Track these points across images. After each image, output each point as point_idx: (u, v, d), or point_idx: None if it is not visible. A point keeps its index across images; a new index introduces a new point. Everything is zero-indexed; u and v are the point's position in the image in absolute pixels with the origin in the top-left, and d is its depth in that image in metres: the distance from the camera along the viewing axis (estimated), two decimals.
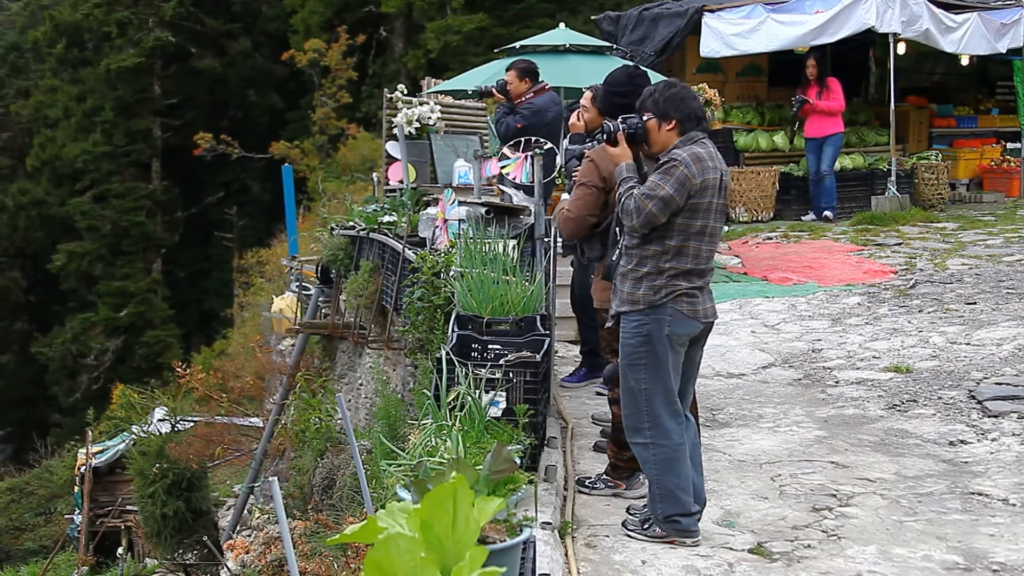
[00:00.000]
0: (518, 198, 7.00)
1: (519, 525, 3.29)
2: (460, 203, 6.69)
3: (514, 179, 7.34)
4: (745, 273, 10.69)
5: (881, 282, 9.90)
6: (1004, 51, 14.26)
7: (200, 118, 32.55)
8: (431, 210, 7.65)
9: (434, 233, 7.13)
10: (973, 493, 5.24)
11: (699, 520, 4.60)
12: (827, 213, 12.92)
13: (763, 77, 14.78)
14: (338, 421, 8.44)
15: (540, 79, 8.54)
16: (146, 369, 28.11)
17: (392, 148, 9.78)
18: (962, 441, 6.02)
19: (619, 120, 4.61)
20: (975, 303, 8.84)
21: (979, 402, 6.52)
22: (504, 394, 4.83)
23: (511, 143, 7.88)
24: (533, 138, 7.67)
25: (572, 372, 7.53)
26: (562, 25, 11.41)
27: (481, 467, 3.51)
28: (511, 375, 4.88)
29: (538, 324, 5.22)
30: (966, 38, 13.63)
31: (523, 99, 8.40)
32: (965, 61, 15.34)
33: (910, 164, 13.84)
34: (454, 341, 5.04)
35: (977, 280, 9.64)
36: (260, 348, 13.99)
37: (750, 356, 8.04)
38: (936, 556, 4.50)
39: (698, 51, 13.34)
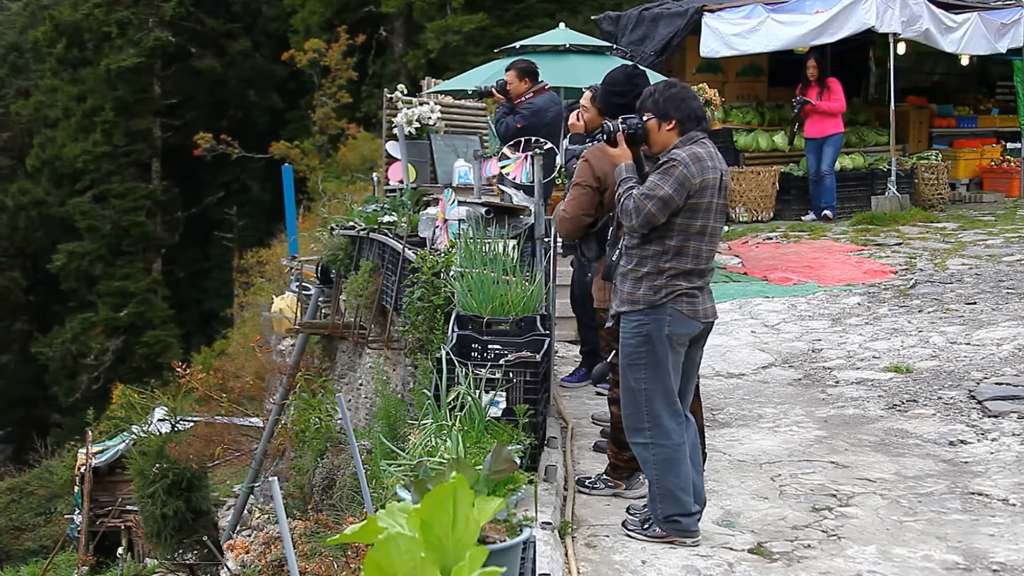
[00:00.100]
0: (518, 198, 7.00)
1: (519, 525, 3.29)
2: (460, 203, 6.69)
3: (514, 179, 7.34)
4: (745, 273, 10.69)
5: (881, 282, 9.90)
6: (1004, 51, 14.26)
7: (200, 118, 32.55)
8: (431, 210, 7.65)
9: (434, 233, 7.13)
10: (973, 493, 5.24)
11: (699, 520, 4.60)
12: (827, 213, 12.92)
13: (763, 77, 14.78)
14: (338, 421, 8.44)
15: (540, 79, 8.54)
16: (146, 369, 28.11)
17: (392, 148, 9.78)
18: (962, 441, 6.02)
19: (619, 120, 4.61)
20: (975, 303, 8.84)
21: (979, 402, 6.52)
22: (504, 394, 4.83)
23: (511, 143, 7.87)
24: (533, 138, 7.67)
25: (572, 372, 7.53)
26: (562, 25, 11.40)
27: (481, 467, 3.51)
28: (511, 375, 4.88)
29: (538, 324, 5.21)
30: (966, 38, 13.63)
31: (523, 99, 8.39)
32: (965, 61, 15.34)
33: (910, 164, 13.84)
34: (454, 341, 5.04)
35: (977, 280, 9.64)
36: (260, 348, 13.99)
37: (750, 356, 8.04)
38: (936, 556, 4.50)
39: (698, 51, 13.34)
